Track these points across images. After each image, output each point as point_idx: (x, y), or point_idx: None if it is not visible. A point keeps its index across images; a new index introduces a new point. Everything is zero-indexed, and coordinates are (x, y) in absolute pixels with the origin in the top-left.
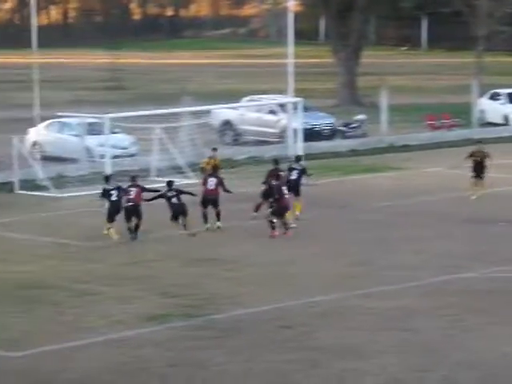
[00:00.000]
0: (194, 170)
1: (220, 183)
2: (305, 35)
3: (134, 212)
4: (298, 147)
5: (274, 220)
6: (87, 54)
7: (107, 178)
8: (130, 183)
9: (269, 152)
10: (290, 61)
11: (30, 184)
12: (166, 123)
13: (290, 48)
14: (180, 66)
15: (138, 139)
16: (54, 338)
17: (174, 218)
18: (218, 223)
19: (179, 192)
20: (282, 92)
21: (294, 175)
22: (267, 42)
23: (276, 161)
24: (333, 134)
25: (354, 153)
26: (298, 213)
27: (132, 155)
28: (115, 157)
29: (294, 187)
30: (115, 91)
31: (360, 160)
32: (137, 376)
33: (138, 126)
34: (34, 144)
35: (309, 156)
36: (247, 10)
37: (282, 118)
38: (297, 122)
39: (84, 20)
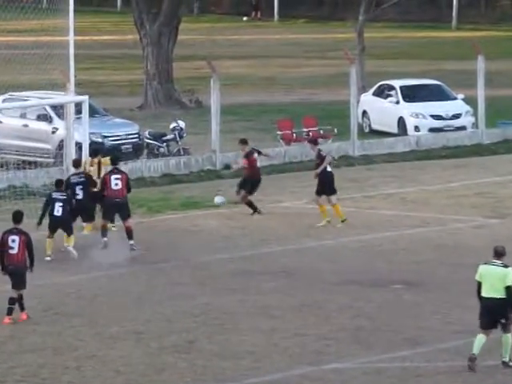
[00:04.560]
0: None
1: None
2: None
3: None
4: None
5: None
6: None
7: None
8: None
9: (40, 178)
10: (71, 38)
11: None
12: None
13: (71, 18)
14: None
15: None
16: None
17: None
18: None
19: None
20: (56, 87)
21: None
22: (34, 10)
23: None
24: (137, 150)
25: (169, 179)
26: None
27: None
28: None
29: None
30: None
31: (178, 190)
32: None
33: None
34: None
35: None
36: None
37: (59, 127)
38: (81, 133)
39: None
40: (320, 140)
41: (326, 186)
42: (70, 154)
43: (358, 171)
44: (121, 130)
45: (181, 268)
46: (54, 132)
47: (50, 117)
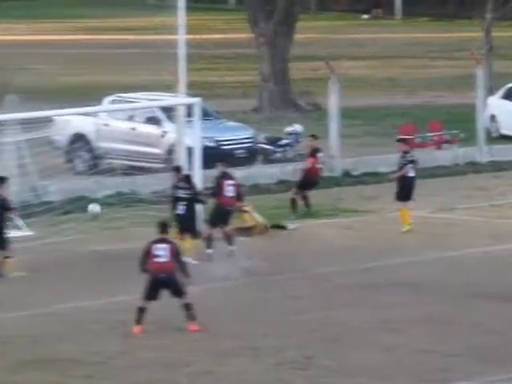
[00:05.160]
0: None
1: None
2: None
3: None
4: (196, 177)
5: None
6: None
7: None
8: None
9: (149, 185)
10: (182, 37)
11: None
12: None
13: (182, 16)
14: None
15: None
16: None
17: None
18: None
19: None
20: (167, 88)
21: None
22: (141, 7)
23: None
24: (252, 155)
25: (284, 186)
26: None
27: None
28: None
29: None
30: None
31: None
32: None
33: None
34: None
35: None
36: None
37: (169, 131)
38: (193, 137)
39: None
40: (446, 145)
41: (403, 192)
42: (181, 159)
43: (485, 178)
44: (234, 134)
45: (297, 280)
46: (163, 136)
47: (160, 120)
